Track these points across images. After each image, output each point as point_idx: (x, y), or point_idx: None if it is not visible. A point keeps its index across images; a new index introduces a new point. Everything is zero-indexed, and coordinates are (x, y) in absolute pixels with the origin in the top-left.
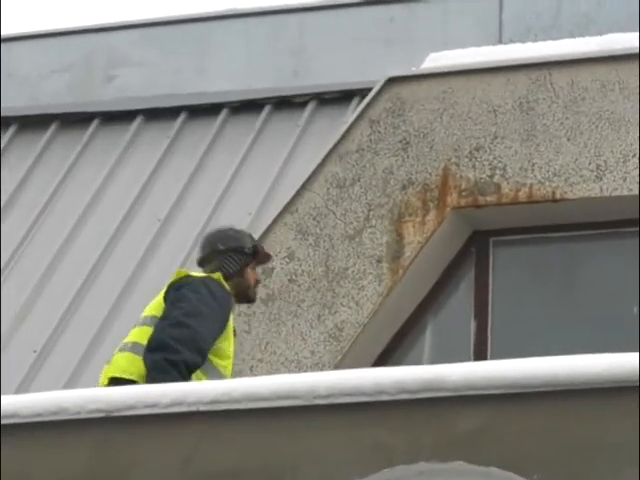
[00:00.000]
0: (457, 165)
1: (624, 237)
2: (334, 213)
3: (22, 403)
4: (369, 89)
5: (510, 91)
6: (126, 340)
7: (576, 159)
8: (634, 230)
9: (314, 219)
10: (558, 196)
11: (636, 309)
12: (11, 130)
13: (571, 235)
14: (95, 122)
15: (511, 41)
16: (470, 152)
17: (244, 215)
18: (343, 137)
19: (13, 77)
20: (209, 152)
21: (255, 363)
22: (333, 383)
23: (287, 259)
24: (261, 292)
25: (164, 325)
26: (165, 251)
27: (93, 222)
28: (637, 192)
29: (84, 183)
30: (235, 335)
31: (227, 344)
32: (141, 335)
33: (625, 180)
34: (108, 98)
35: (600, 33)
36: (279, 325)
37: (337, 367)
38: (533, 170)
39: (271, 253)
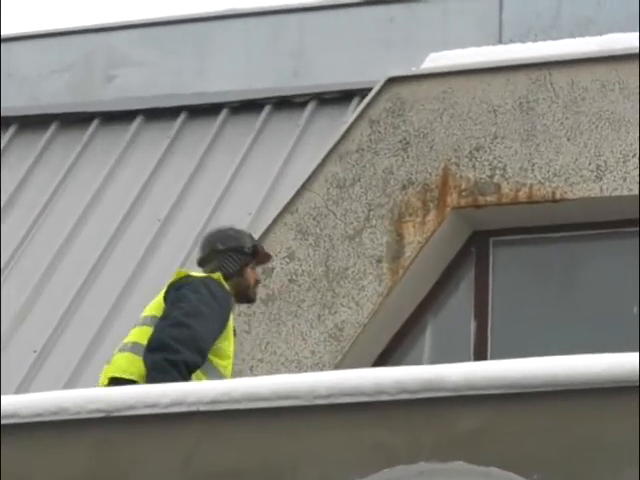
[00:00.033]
0: (457, 165)
1: (624, 237)
2: (334, 213)
3: (22, 403)
4: (369, 89)
5: (510, 91)
6: (126, 340)
7: (576, 159)
8: (634, 230)
9: (314, 219)
10: (558, 196)
11: (636, 309)
12: (11, 130)
13: (571, 235)
14: (95, 122)
15: (511, 41)
16: (470, 152)
17: (244, 215)
18: (343, 137)
19: (13, 77)
20: (209, 152)
21: (255, 363)
22: (333, 383)
23: (287, 259)
24: (261, 292)
25: (164, 325)
26: (165, 251)
27: (93, 222)
28: (637, 192)
29: (84, 183)
30: (235, 335)
31: (227, 344)
32: (141, 335)
33: (625, 180)
34: (108, 98)
35: (600, 33)
36: (279, 325)
37: (337, 367)
38: (533, 170)
39: (271, 253)
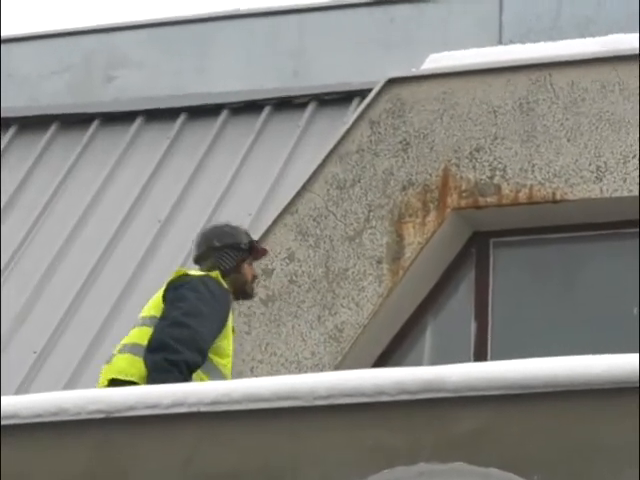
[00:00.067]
0: (457, 166)
1: (624, 238)
2: (334, 214)
3: (22, 404)
4: (369, 90)
5: (510, 92)
6: (126, 341)
7: (576, 160)
8: (634, 231)
9: (314, 220)
10: (558, 197)
11: (636, 310)
12: (11, 131)
13: (571, 236)
14: (95, 123)
15: (511, 42)
16: (470, 153)
17: (244, 216)
18: (343, 138)
19: (13, 78)
20: (209, 153)
21: (255, 364)
22: (333, 384)
23: (287, 260)
24: (261, 293)
25: (164, 325)
26: (165, 252)
27: (93, 223)
28: (637, 193)
29: (84, 184)
30: (234, 333)
31: (226, 342)
32: (141, 336)
33: (625, 181)
34: (108, 99)
35: (600, 34)
36: (279, 326)
37: (337, 368)
38: (533, 171)
39: (267, 248)
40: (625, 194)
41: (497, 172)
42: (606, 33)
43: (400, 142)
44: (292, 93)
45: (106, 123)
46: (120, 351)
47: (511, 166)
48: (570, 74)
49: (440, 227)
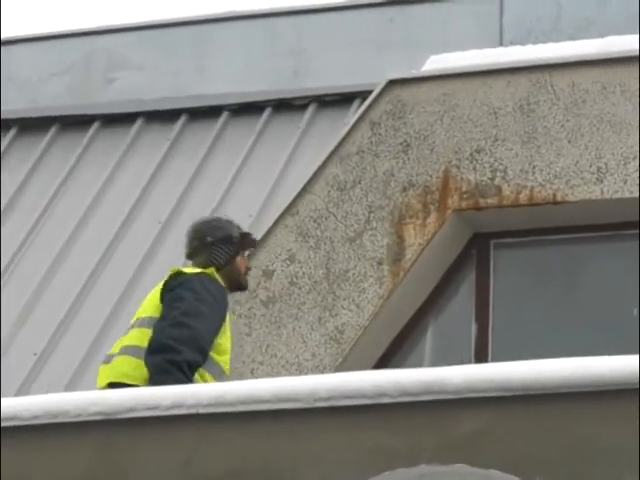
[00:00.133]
0: (458, 167)
1: (624, 240)
2: (335, 215)
3: (22, 406)
4: (369, 91)
5: (511, 93)
6: (125, 343)
7: (577, 161)
8: (634, 233)
9: (315, 221)
10: (559, 198)
11: (636, 311)
12: (11, 133)
13: (572, 237)
14: (95, 125)
15: (512, 44)
16: (471, 154)
17: (245, 217)
18: (344, 139)
19: (13, 80)
20: (209, 154)
21: (256, 366)
22: (334, 386)
23: (288, 261)
24: (262, 294)
25: (163, 326)
26: (166, 254)
27: (93, 225)
28: (638, 195)
29: (84, 186)
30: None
31: (224, 339)
32: (141, 337)
33: (626, 182)
34: (108, 100)
35: (600, 35)
36: (280, 328)
37: (338, 370)
38: (534, 172)
39: (254, 236)
40: (626, 195)
41: (498, 173)
42: (606, 34)
43: (401, 143)
44: (292, 94)
45: (106, 125)
46: (120, 353)
47: (512, 167)
48: (571, 75)
49: (441, 228)
